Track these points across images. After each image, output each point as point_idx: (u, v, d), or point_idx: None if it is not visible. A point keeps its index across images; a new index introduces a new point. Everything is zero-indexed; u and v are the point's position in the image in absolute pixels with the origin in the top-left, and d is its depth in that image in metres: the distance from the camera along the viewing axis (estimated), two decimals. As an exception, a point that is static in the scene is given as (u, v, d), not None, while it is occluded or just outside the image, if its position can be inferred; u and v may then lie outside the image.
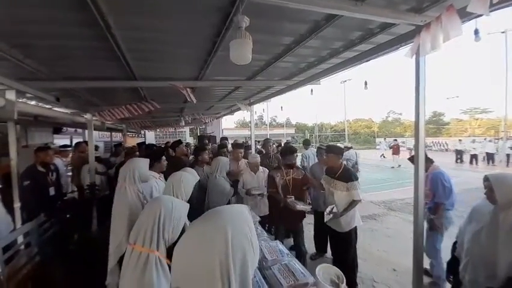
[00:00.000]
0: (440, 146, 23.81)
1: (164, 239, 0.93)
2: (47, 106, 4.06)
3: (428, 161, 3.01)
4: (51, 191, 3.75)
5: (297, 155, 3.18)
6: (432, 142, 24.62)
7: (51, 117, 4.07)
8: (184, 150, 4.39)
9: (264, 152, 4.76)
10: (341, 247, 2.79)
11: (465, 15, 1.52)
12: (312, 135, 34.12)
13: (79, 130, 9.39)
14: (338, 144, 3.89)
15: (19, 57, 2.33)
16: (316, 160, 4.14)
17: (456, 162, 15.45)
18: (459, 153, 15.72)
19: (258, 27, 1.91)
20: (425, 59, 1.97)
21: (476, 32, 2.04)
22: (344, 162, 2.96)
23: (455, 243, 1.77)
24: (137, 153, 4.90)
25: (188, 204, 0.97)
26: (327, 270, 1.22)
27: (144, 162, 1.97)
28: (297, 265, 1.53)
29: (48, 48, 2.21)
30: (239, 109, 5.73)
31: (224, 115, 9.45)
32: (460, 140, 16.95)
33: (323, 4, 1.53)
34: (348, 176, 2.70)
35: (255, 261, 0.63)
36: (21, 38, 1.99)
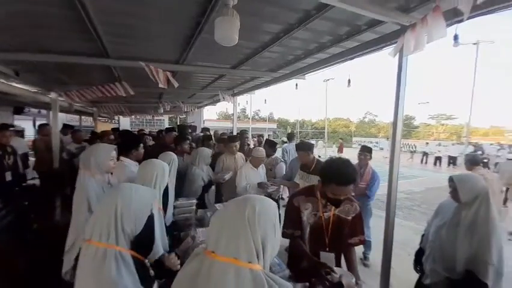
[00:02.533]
0: (409, 147, 25.55)
1: (124, 231, 0.83)
2: (5, 82, 3.58)
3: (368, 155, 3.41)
4: (8, 176, 3.37)
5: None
6: (403, 143, 26.31)
7: (10, 94, 3.61)
8: (172, 138, 4.12)
9: (239, 145, 4.36)
10: None
11: (448, 18, 1.57)
12: (293, 131, 34.69)
13: (43, 111, 8.59)
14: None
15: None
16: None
17: (421, 163, 16.69)
18: (424, 155, 17.01)
19: (246, 10, 1.81)
20: (408, 60, 2.03)
21: (456, 37, 2.12)
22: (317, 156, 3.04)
23: (423, 236, 1.89)
24: (112, 137, 4.57)
25: (155, 190, 0.88)
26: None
27: (109, 149, 1.77)
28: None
29: (5, 13, 1.89)
30: (222, 99, 5.55)
31: (206, 105, 9.17)
32: (427, 143, 18.31)
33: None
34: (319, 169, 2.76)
35: (275, 247, 0.72)
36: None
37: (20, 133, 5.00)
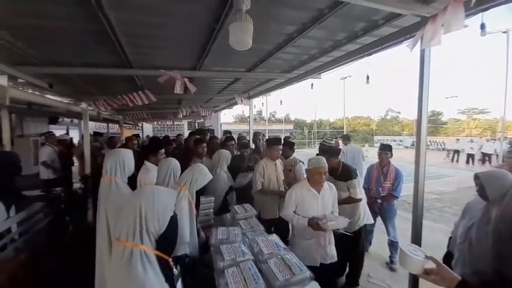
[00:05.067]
0: (437, 145, 23.95)
1: (149, 231, 0.88)
2: (40, 94, 3.95)
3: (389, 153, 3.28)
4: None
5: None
6: (430, 141, 24.75)
7: (46, 105, 3.97)
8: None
9: (254, 147, 4.20)
10: (349, 246, 2.60)
11: (471, 7, 1.47)
12: (310, 131, 34.11)
13: (75, 120, 9.28)
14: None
15: (9, 39, 2.23)
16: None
17: (452, 161, 15.57)
18: (456, 153, 15.83)
19: (259, 13, 1.83)
20: (430, 52, 1.93)
21: (483, 26, 1.98)
22: (343, 159, 2.92)
23: (450, 238, 1.79)
24: (135, 142, 4.83)
25: (176, 192, 0.93)
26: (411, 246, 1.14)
27: (131, 154, 1.88)
28: (294, 259, 1.50)
29: (38, 29, 2.10)
30: (240, 102, 5.62)
31: (223, 108, 9.36)
32: (457, 139, 17.04)
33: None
34: (347, 174, 2.63)
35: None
36: (10, 18, 1.90)
37: (64, 142, 5.42)
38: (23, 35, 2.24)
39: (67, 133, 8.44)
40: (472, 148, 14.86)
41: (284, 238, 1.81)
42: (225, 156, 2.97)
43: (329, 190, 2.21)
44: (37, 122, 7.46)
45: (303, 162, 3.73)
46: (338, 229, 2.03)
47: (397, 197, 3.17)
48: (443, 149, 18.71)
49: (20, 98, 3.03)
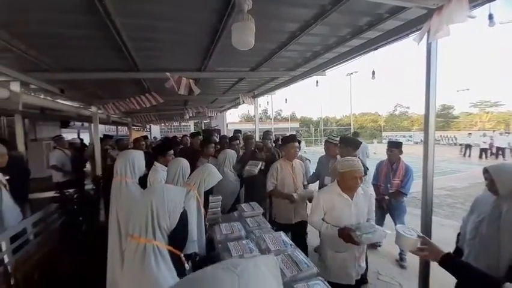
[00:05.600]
0: (448, 139, 23.32)
1: (161, 227, 0.91)
2: (52, 99, 4.08)
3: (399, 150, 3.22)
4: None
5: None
6: (441, 136, 24.11)
7: (57, 109, 4.10)
8: (199, 142, 4.26)
9: (262, 145, 4.01)
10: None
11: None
12: (317, 129, 33.81)
13: (86, 124, 9.52)
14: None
15: (21, 47, 2.32)
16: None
17: (464, 156, 15.14)
18: (468, 147, 15.38)
19: (261, 12, 1.84)
20: (437, 46, 1.89)
21: (491, 16, 1.93)
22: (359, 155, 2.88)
23: (458, 235, 1.76)
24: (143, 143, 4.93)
25: (185, 189, 0.96)
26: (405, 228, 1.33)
27: (141, 155, 1.94)
28: (300, 256, 1.51)
29: (48, 37, 2.18)
30: (242, 102, 5.65)
31: (228, 108, 9.40)
32: (469, 133, 16.55)
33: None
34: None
35: None
36: (22, 27, 1.97)
37: (74, 145, 5.58)
38: (35, 43, 2.32)
39: (78, 136, 8.68)
40: (485, 142, 14.40)
41: (300, 247, 1.67)
42: (230, 155, 2.99)
43: (363, 195, 1.91)
44: (49, 126, 7.72)
45: (309, 161, 3.72)
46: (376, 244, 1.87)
47: (406, 194, 3.12)
48: (455, 144, 18.21)
49: (32, 104, 3.14)
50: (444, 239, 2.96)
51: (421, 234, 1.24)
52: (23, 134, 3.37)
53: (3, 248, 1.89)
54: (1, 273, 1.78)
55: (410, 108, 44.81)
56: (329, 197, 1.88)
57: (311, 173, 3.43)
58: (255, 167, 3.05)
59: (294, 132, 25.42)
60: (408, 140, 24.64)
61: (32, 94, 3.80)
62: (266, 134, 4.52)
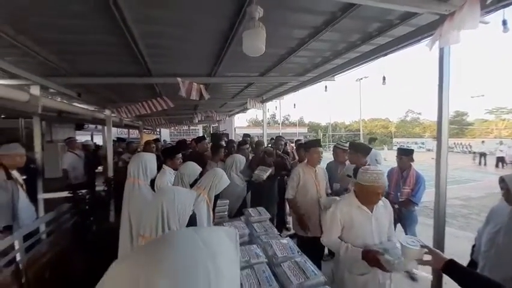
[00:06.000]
0: (462, 147, 22.57)
1: (170, 228, 0.94)
2: (68, 102, 4.25)
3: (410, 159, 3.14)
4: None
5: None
6: (454, 143, 23.39)
7: (74, 112, 4.26)
8: (206, 146, 4.32)
9: (272, 150, 3.87)
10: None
11: (488, 5, 1.42)
12: (325, 134, 33.52)
13: (99, 127, 9.81)
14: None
15: (43, 53, 2.45)
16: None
17: (479, 164, 14.59)
18: (482, 156, 14.82)
19: (271, 19, 1.88)
20: (450, 51, 1.86)
21: (505, 22, 1.89)
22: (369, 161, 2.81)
23: (473, 247, 1.69)
24: (153, 146, 5.04)
25: (195, 193, 0.98)
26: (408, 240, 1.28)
27: (154, 157, 1.99)
28: (308, 264, 1.49)
29: (69, 43, 2.29)
30: (250, 107, 5.69)
31: (237, 113, 9.49)
32: (482, 141, 15.96)
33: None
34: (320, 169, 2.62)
35: None
36: (44, 34, 2.07)
37: (87, 147, 5.77)
38: (55, 49, 2.44)
39: (92, 138, 8.95)
40: (501, 150, 13.85)
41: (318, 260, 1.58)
42: (238, 159, 3.01)
43: (384, 207, 1.69)
44: (65, 128, 8.00)
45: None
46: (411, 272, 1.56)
47: (416, 204, 3.01)
48: (470, 152, 17.60)
49: (50, 107, 3.27)
50: (459, 251, 2.84)
51: (424, 244, 1.22)
52: (40, 135, 3.51)
53: (16, 247, 1.94)
54: (13, 271, 1.81)
55: (422, 114, 43.99)
56: (347, 210, 1.65)
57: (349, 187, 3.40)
58: (264, 173, 3.05)
59: (302, 137, 25.31)
60: (420, 147, 24.02)
61: (50, 97, 3.97)
62: (278, 139, 4.49)
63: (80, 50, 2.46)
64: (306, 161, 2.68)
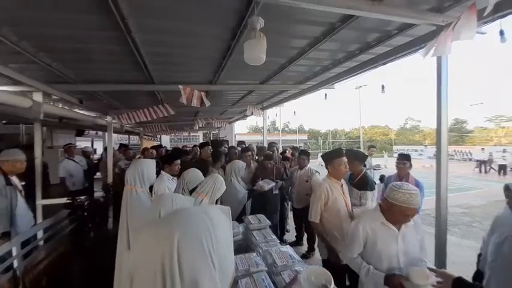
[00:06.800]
0: (462, 155, 22.55)
1: None
2: (70, 109, 4.28)
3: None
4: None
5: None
6: (454, 151, 23.38)
7: (75, 118, 4.28)
8: (208, 152, 4.34)
9: (271, 153, 3.91)
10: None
11: (485, 16, 1.45)
12: (325, 141, 33.55)
13: (100, 133, 9.84)
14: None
15: (47, 60, 2.48)
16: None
17: (480, 172, 14.55)
18: (482, 163, 14.81)
19: (272, 29, 1.92)
20: (447, 59, 1.90)
21: (502, 32, 1.93)
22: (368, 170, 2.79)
23: (479, 256, 1.67)
24: (153, 152, 5.04)
25: (193, 199, 0.98)
26: (313, 272, 1.14)
27: (152, 164, 1.98)
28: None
29: (73, 51, 2.33)
30: (250, 114, 5.73)
31: (237, 120, 9.54)
32: (482, 148, 15.98)
33: (338, 4, 1.51)
34: (364, 184, 2.51)
35: (217, 280, 0.49)
36: (47, 41, 2.11)
37: (86, 153, 5.77)
38: (59, 57, 2.49)
39: (92, 145, 8.96)
40: (504, 158, 13.84)
41: None
42: (237, 166, 3.04)
43: (414, 227, 1.50)
44: (66, 134, 8.02)
45: (319, 173, 3.67)
46: None
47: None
48: (470, 159, 17.57)
49: (52, 113, 3.30)
50: (461, 260, 2.78)
51: (431, 267, 1.23)
52: (41, 141, 3.51)
53: (14, 253, 1.91)
54: (10, 278, 1.79)
55: (421, 121, 44.07)
56: (371, 226, 1.49)
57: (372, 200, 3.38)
58: (266, 185, 3.07)
59: (302, 145, 25.31)
60: (420, 154, 23.98)
61: (51, 104, 4.00)
62: (270, 145, 4.62)
63: (83, 57, 2.50)
64: (328, 174, 2.29)
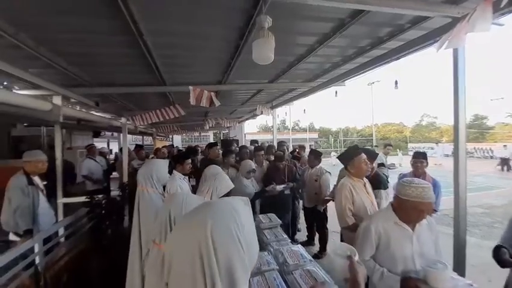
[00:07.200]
0: (483, 152, 21.47)
1: None
2: (87, 111, 4.46)
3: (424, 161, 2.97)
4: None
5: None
6: (474, 148, 22.31)
7: (91, 120, 4.46)
8: (217, 152, 4.35)
9: (282, 153, 3.88)
10: None
11: (501, 8, 1.38)
12: (336, 140, 32.99)
13: (115, 134, 10.19)
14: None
15: (63, 64, 2.59)
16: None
17: (502, 170, 13.80)
18: (504, 161, 14.02)
19: (280, 27, 1.91)
20: (464, 53, 1.81)
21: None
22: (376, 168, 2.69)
23: (497, 247, 1.53)
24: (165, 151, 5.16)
25: (204, 198, 1.00)
26: (338, 247, 1.13)
27: (163, 164, 1.99)
28: (320, 272, 1.46)
29: (88, 55, 2.43)
30: (260, 113, 5.73)
31: (246, 119, 9.56)
32: (504, 145, 15.13)
33: (347, -1, 1.48)
34: (376, 183, 2.45)
35: (247, 262, 0.55)
36: (64, 45, 2.20)
37: (103, 154, 6.02)
38: (76, 61, 2.59)
39: (108, 145, 9.30)
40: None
41: None
42: (248, 164, 3.07)
43: (428, 226, 1.44)
44: (83, 135, 8.37)
45: (329, 173, 3.62)
46: None
47: (436, 210, 2.89)
48: (491, 157, 16.68)
49: (71, 115, 3.45)
50: (482, 261, 2.65)
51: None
52: (61, 143, 3.68)
53: (36, 250, 1.98)
54: (31, 274, 1.85)
55: (438, 118, 42.39)
56: (384, 227, 1.41)
57: (332, 187, 3.34)
58: (279, 187, 3.10)
59: (313, 143, 24.97)
60: (434, 151, 23.07)
61: (70, 106, 4.19)
62: (280, 144, 4.62)
63: (98, 60, 2.59)
64: (348, 174, 2.13)
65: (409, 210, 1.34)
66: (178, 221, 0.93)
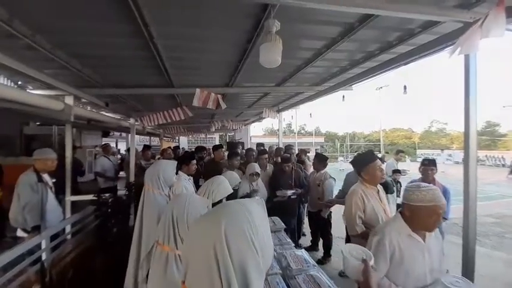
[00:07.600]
0: (495, 160, 20.86)
1: (181, 237, 0.95)
2: (97, 111, 4.56)
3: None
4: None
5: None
6: (486, 156, 21.71)
7: (101, 120, 4.55)
8: (222, 154, 4.34)
9: (289, 156, 3.74)
10: None
11: None
12: (343, 144, 32.66)
13: (123, 134, 10.37)
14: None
15: (77, 66, 2.67)
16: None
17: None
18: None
19: (288, 31, 1.92)
20: (476, 59, 1.78)
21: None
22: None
23: None
24: (170, 152, 5.22)
25: (208, 201, 1.00)
26: (354, 249, 1.11)
27: (171, 165, 1.97)
28: (324, 277, 1.44)
29: (101, 57, 2.49)
30: (266, 117, 5.74)
31: (252, 122, 9.59)
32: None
33: (357, 4, 1.48)
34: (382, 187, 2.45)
35: (261, 265, 0.55)
36: (78, 48, 2.28)
37: (111, 152, 6.16)
38: (89, 63, 2.67)
39: (116, 145, 9.47)
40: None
41: None
42: (252, 167, 3.10)
43: (435, 236, 1.39)
44: (93, 135, 8.56)
45: (334, 179, 3.56)
46: None
47: (446, 218, 2.81)
48: (503, 165, 16.15)
49: (81, 115, 3.53)
50: (492, 272, 2.55)
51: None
52: (71, 142, 3.77)
53: (43, 246, 2.02)
54: (37, 270, 1.86)
55: (448, 124, 41.52)
56: (398, 240, 1.32)
57: (334, 193, 3.31)
58: (286, 194, 3.12)
59: (318, 147, 24.75)
60: (447, 159, 22.55)
61: (81, 107, 4.30)
62: (287, 147, 4.59)
63: (110, 63, 2.66)
64: (361, 180, 2.05)
65: (425, 217, 1.25)
66: (192, 221, 0.94)
